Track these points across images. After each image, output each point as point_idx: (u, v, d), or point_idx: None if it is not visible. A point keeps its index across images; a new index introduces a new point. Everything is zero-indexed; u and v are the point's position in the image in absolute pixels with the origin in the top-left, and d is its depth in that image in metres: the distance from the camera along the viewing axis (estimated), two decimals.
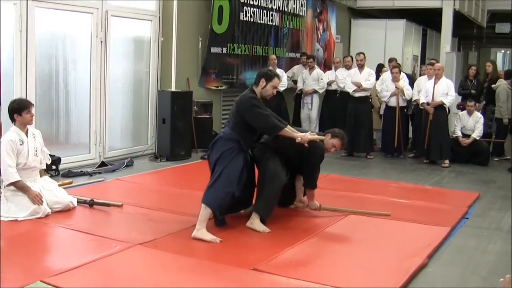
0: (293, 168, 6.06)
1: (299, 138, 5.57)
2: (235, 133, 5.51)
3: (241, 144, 5.51)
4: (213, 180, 5.39)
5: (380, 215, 6.37)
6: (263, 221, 5.65)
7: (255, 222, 5.61)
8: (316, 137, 5.78)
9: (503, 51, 23.69)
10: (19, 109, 5.72)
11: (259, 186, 5.81)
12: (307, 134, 5.73)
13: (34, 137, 5.86)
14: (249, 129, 5.58)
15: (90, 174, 7.85)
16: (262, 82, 5.58)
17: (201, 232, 5.22)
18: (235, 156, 5.43)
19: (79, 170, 7.88)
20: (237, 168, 5.41)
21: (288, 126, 5.78)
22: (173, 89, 9.56)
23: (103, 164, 8.34)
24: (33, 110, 5.81)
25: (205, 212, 5.31)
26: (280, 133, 5.58)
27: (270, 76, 5.61)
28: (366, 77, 10.50)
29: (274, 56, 11.39)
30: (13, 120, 5.77)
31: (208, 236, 5.18)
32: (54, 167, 7.49)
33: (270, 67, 11.18)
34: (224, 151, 5.43)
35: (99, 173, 8.00)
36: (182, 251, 4.90)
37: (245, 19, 11.08)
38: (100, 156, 8.65)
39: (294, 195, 6.37)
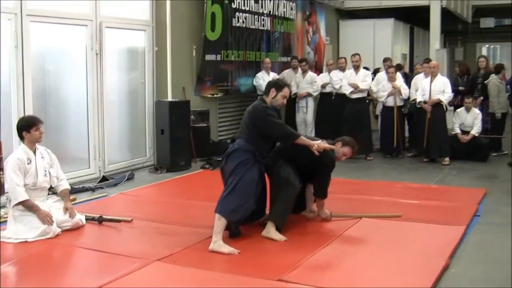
0: (304, 177, 5.99)
1: (315, 146, 5.52)
2: (249, 144, 5.44)
3: (256, 155, 5.44)
4: (228, 191, 5.29)
5: (392, 216, 6.31)
6: (278, 229, 5.57)
7: (271, 230, 5.52)
8: (328, 146, 5.73)
9: (487, 45, 23.82)
10: (27, 126, 5.58)
11: (272, 194, 5.73)
12: (320, 142, 5.71)
13: (42, 157, 5.72)
14: (263, 139, 5.53)
15: (92, 190, 7.71)
16: (273, 92, 5.53)
17: (218, 244, 5.12)
18: (250, 167, 5.35)
19: (81, 186, 7.74)
20: (252, 180, 5.34)
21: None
22: (169, 98, 9.45)
23: (104, 178, 8.20)
24: (42, 128, 5.67)
25: (219, 223, 5.21)
26: (296, 141, 5.52)
27: (280, 86, 5.58)
28: (362, 78, 10.48)
29: (268, 60, 11.36)
30: (21, 138, 5.63)
31: (226, 249, 5.08)
32: None
33: (264, 71, 11.16)
34: (240, 162, 5.35)
35: (101, 188, 7.85)
36: (202, 265, 4.79)
37: (237, 25, 11.01)
38: (100, 170, 8.51)
39: (304, 201, 6.30)
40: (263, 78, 11.03)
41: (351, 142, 6.08)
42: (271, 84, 5.67)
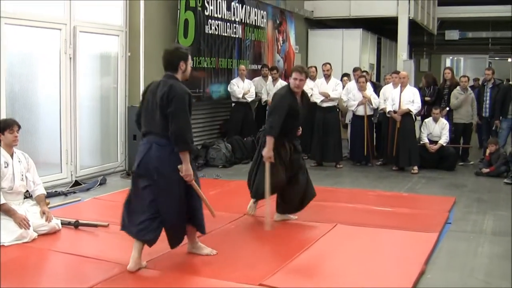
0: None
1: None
2: (165, 139, 4.90)
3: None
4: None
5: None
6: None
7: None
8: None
9: (451, 57, 24.35)
10: (2, 128, 5.54)
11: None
12: None
13: (19, 161, 5.66)
14: None
15: (65, 194, 7.65)
16: (183, 65, 4.98)
17: (197, 247, 5.17)
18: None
19: (54, 190, 7.66)
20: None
21: None
22: None
23: (76, 183, 8.13)
24: (18, 131, 5.61)
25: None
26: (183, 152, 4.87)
27: (186, 55, 5.05)
28: (333, 87, 10.58)
29: (243, 67, 11.44)
30: None
31: (205, 250, 5.14)
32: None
33: (239, 78, 11.17)
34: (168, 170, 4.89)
35: (74, 192, 7.79)
36: (183, 270, 4.82)
37: (210, 32, 11.02)
38: (72, 175, 8.44)
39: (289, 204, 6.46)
40: (237, 85, 11.12)
41: (294, 67, 6.33)
42: (178, 57, 4.99)
